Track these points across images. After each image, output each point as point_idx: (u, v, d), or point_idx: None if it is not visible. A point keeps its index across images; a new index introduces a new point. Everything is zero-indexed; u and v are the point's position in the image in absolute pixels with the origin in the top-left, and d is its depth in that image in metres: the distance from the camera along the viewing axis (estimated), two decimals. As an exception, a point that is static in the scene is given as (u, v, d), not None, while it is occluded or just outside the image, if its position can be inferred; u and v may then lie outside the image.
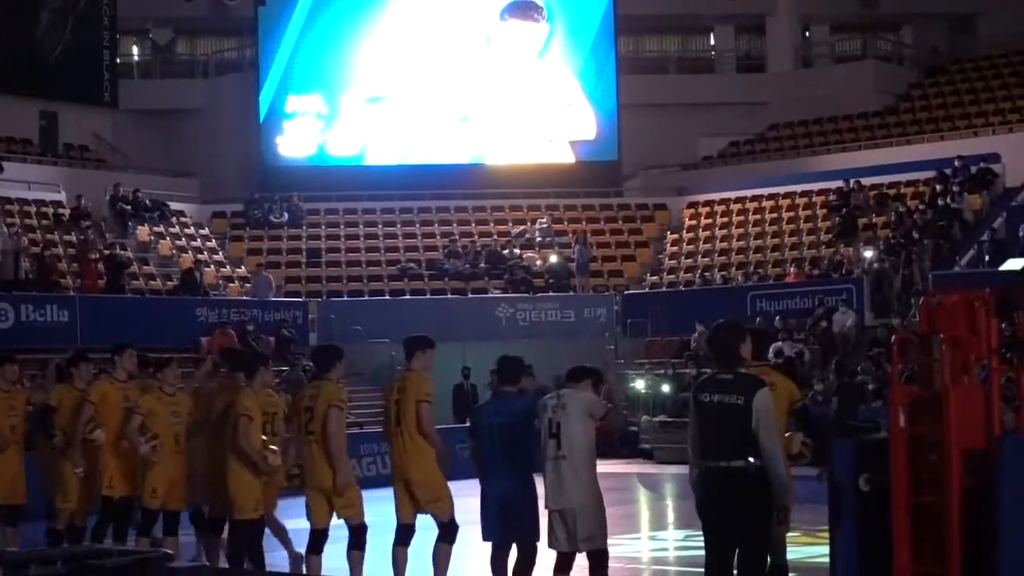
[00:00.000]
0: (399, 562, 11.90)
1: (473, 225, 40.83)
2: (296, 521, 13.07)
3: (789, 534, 9.93)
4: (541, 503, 11.16)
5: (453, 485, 11.98)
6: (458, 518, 11.85)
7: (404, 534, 11.90)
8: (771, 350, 30.77)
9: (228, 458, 12.24)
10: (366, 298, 36.54)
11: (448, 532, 11.79)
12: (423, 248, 39.55)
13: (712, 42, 48.22)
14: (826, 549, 10.04)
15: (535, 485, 11.27)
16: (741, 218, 40.23)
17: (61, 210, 36.55)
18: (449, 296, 36.74)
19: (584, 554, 10.91)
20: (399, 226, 40.70)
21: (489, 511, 11.33)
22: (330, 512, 11.86)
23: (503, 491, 11.20)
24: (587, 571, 10.97)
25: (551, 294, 36.56)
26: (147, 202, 37.73)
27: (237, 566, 12.18)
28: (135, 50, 47.46)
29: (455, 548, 11.84)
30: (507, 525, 11.23)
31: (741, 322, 10.05)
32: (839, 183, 38.30)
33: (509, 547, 11.34)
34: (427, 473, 11.75)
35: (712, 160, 44.18)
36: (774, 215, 39.96)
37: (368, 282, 37.92)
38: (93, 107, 41.87)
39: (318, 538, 11.94)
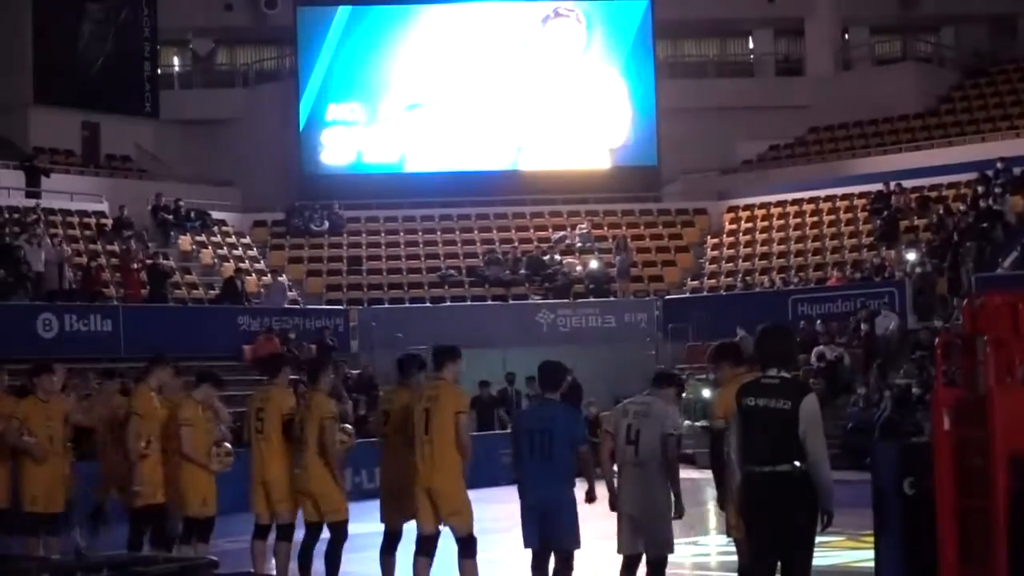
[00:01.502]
0: (419, 573, 11.88)
1: (513, 231, 40.81)
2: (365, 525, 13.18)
3: (834, 538, 9.90)
4: (581, 509, 11.16)
5: (491, 492, 11.99)
6: (491, 525, 11.83)
7: (425, 544, 11.88)
8: (813, 353, 30.75)
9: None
10: (407, 305, 36.57)
11: (467, 547, 11.74)
12: (463, 255, 39.57)
13: (751, 45, 48.08)
14: (870, 554, 10.01)
15: (574, 491, 11.25)
16: (782, 222, 40.10)
17: (104, 220, 36.74)
18: (490, 303, 36.73)
19: (645, 560, 10.93)
20: (439, 233, 40.73)
21: (528, 518, 11.31)
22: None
23: (543, 498, 11.16)
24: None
25: (592, 300, 36.51)
26: (189, 212, 37.90)
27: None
28: (176, 60, 47.69)
29: (488, 556, 11.84)
30: (546, 532, 11.20)
31: (787, 326, 9.99)
32: (880, 186, 38.10)
33: (549, 554, 11.31)
34: (451, 484, 11.74)
35: (752, 164, 44.05)
36: (815, 218, 39.81)
37: (409, 289, 37.97)
38: (135, 117, 42.11)
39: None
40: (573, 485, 11.26)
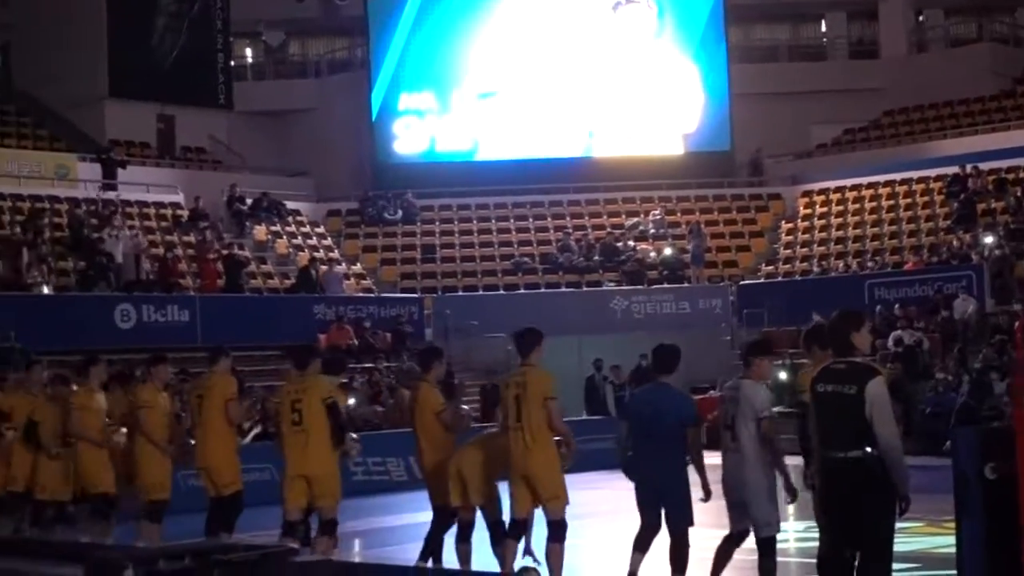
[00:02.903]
0: (508, 554, 11.98)
1: (586, 218, 40.78)
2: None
3: (914, 524, 9.82)
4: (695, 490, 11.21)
5: (579, 478, 12.01)
6: (579, 510, 11.86)
7: (517, 528, 11.94)
8: (891, 338, 30.49)
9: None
10: (480, 293, 36.64)
11: (558, 531, 11.81)
12: (537, 242, 39.59)
13: (824, 29, 47.74)
14: (951, 539, 9.91)
15: (686, 471, 11.26)
16: (857, 206, 39.81)
17: (180, 211, 37.07)
18: (564, 290, 36.75)
19: (755, 541, 10.94)
20: (512, 220, 40.75)
21: (644, 497, 11.40)
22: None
23: (655, 477, 11.26)
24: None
25: (666, 286, 36.44)
26: (264, 202, 38.15)
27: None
28: (248, 52, 47.99)
29: (572, 541, 11.87)
30: (659, 510, 11.29)
31: (859, 311, 9.92)
32: (956, 168, 37.73)
33: (657, 530, 11.38)
34: (549, 469, 11.80)
35: (826, 148, 43.74)
36: (891, 202, 39.48)
37: (482, 277, 38.05)
38: (208, 109, 42.44)
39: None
40: (685, 465, 11.29)
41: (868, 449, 8.73)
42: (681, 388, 12.03)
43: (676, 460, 11.26)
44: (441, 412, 12.81)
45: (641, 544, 11.43)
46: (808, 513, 11.23)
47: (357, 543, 16.05)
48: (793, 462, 10.85)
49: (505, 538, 12.03)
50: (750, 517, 10.90)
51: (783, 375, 30.94)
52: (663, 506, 11.30)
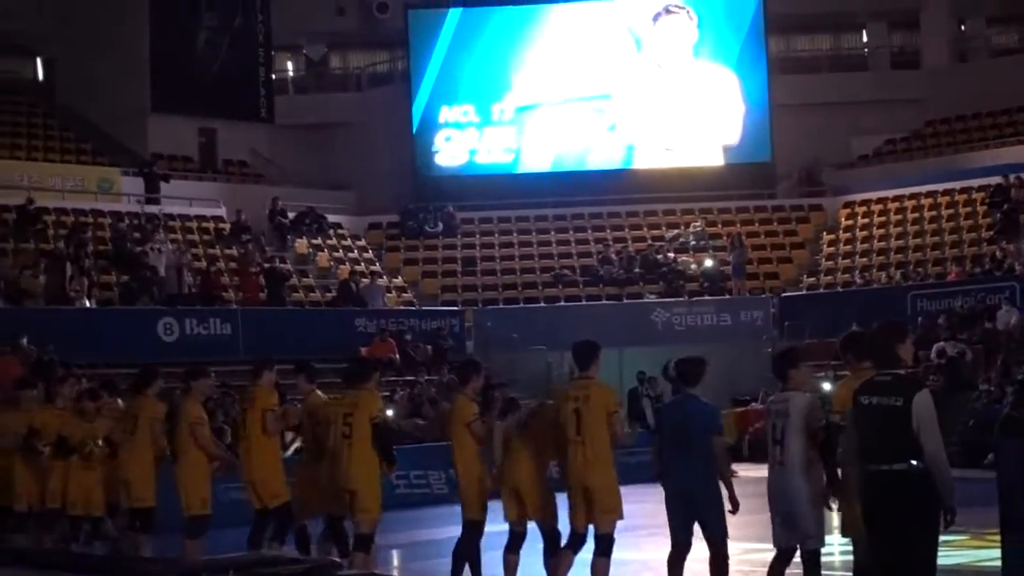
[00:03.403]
0: (562, 567, 11.97)
1: (627, 230, 40.74)
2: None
3: (958, 537, 9.77)
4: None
5: (623, 490, 12.01)
6: (621, 523, 11.85)
7: (576, 542, 11.94)
8: (933, 350, 30.32)
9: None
10: (521, 305, 36.66)
11: (606, 545, 11.81)
12: (577, 254, 39.58)
13: (865, 39, 47.53)
14: (996, 552, 9.86)
15: (717, 482, 11.22)
16: (899, 217, 39.63)
17: (222, 225, 37.24)
18: (604, 302, 36.72)
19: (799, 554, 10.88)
20: (553, 233, 40.75)
21: (674, 510, 11.34)
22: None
23: (686, 488, 11.21)
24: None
25: (707, 298, 36.37)
26: (306, 216, 38.27)
27: None
28: (289, 66, 48.16)
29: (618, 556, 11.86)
30: (693, 521, 11.24)
31: (902, 323, 9.86)
32: (998, 179, 37.48)
33: (687, 549, 11.33)
34: (609, 483, 11.81)
35: (868, 159, 43.57)
36: (933, 213, 39.28)
37: (523, 289, 38.06)
38: (250, 123, 42.61)
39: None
40: (716, 476, 11.26)
41: (913, 462, 8.69)
42: (713, 399, 12.00)
43: (706, 471, 11.22)
44: (472, 423, 12.84)
45: (674, 564, 11.37)
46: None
47: (396, 556, 16.08)
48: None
49: (562, 550, 12.04)
50: (796, 530, 10.84)
51: (827, 386, 30.85)
52: (696, 518, 11.24)
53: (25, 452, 15.77)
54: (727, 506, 11.21)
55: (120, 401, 16.05)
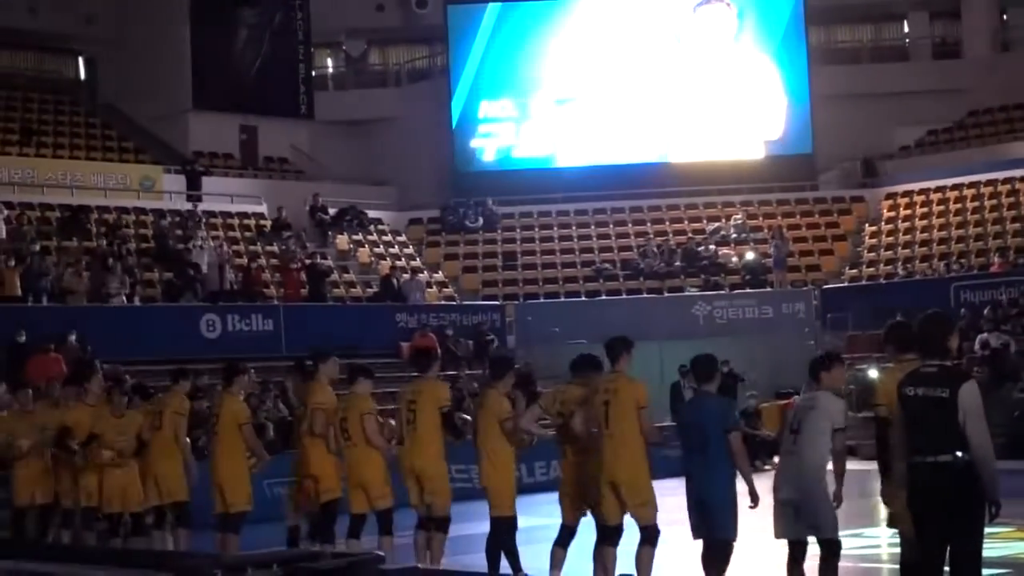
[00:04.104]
0: (608, 562, 12.01)
1: (667, 223, 40.66)
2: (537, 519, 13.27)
3: (1003, 529, 9.70)
4: (743, 501, 11.12)
5: (661, 484, 12.01)
6: (662, 517, 11.86)
7: (611, 535, 11.96)
8: (977, 341, 30.14)
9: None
10: (562, 300, 36.64)
11: (650, 536, 11.87)
12: (617, 248, 39.53)
13: (906, 29, 47.27)
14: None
15: (733, 482, 11.22)
16: (942, 208, 39.41)
17: (263, 221, 37.37)
18: (645, 295, 36.66)
19: (817, 544, 10.86)
20: (593, 227, 40.73)
21: (693, 509, 11.35)
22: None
23: (701, 488, 11.22)
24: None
25: (748, 291, 36.26)
26: (346, 212, 38.36)
27: None
28: (329, 62, 48.29)
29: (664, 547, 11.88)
30: (706, 522, 11.23)
31: (948, 314, 9.81)
32: (1043, 168, 37.28)
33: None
34: (636, 476, 11.83)
35: (910, 150, 43.34)
36: (976, 203, 39.04)
37: (564, 284, 38.04)
38: (290, 119, 42.79)
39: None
40: (732, 475, 11.25)
41: (959, 453, 8.64)
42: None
43: (721, 469, 11.20)
44: (505, 420, 12.85)
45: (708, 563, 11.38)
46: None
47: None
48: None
49: (602, 546, 12.09)
50: (807, 518, 10.78)
51: (874, 373, 30.67)
52: (703, 513, 11.21)
53: (59, 450, 15.89)
54: (746, 502, 11.19)
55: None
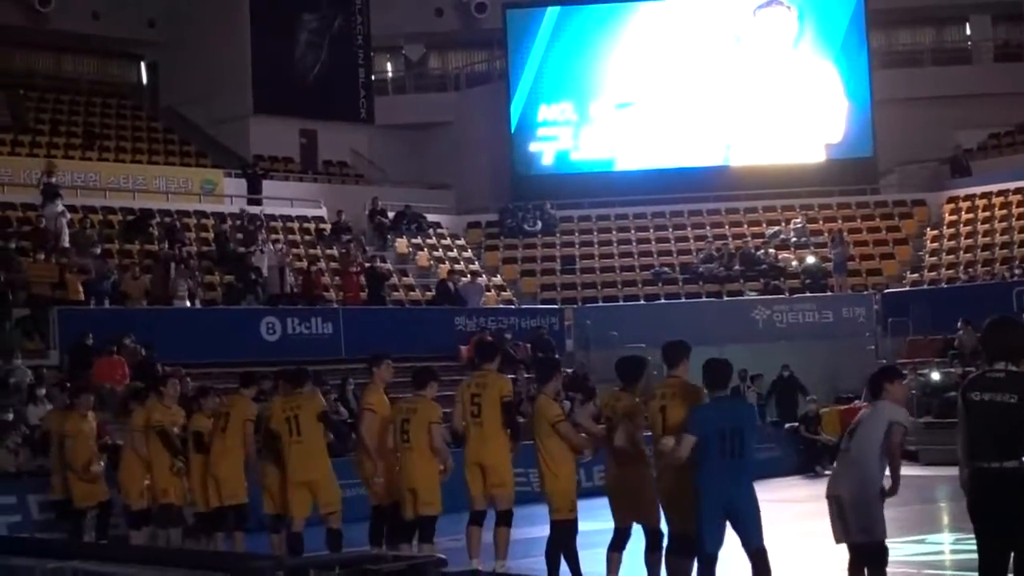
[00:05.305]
0: (613, 566, 12.11)
1: (726, 227, 40.53)
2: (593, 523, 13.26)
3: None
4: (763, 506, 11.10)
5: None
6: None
7: (659, 541, 11.91)
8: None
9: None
10: (621, 303, 36.58)
11: (654, 541, 11.86)
12: (676, 252, 39.44)
13: (968, 32, 46.92)
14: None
15: (753, 489, 11.11)
16: (1004, 211, 39.07)
17: (323, 225, 37.54)
18: (704, 300, 36.55)
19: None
20: (652, 231, 40.66)
21: (708, 514, 11.01)
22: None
23: (732, 497, 10.94)
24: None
25: (808, 295, 36.06)
26: (405, 215, 38.47)
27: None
28: (388, 66, 48.47)
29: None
30: (718, 532, 11.00)
31: (1014, 318, 9.70)
32: (1106, 172, 36.89)
33: (716, 559, 11.07)
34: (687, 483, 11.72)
35: (972, 153, 43.01)
36: (1038, 207, 38.70)
37: (622, 288, 37.98)
38: (350, 124, 43.00)
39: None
40: (751, 482, 11.16)
41: (1024, 460, 8.58)
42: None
43: (744, 473, 11.04)
44: (558, 423, 12.84)
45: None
46: (959, 524, 11.03)
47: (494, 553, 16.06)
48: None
49: (612, 550, 12.21)
50: (855, 519, 10.69)
51: (936, 374, 30.45)
52: (731, 522, 10.99)
53: (137, 449, 16.17)
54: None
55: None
